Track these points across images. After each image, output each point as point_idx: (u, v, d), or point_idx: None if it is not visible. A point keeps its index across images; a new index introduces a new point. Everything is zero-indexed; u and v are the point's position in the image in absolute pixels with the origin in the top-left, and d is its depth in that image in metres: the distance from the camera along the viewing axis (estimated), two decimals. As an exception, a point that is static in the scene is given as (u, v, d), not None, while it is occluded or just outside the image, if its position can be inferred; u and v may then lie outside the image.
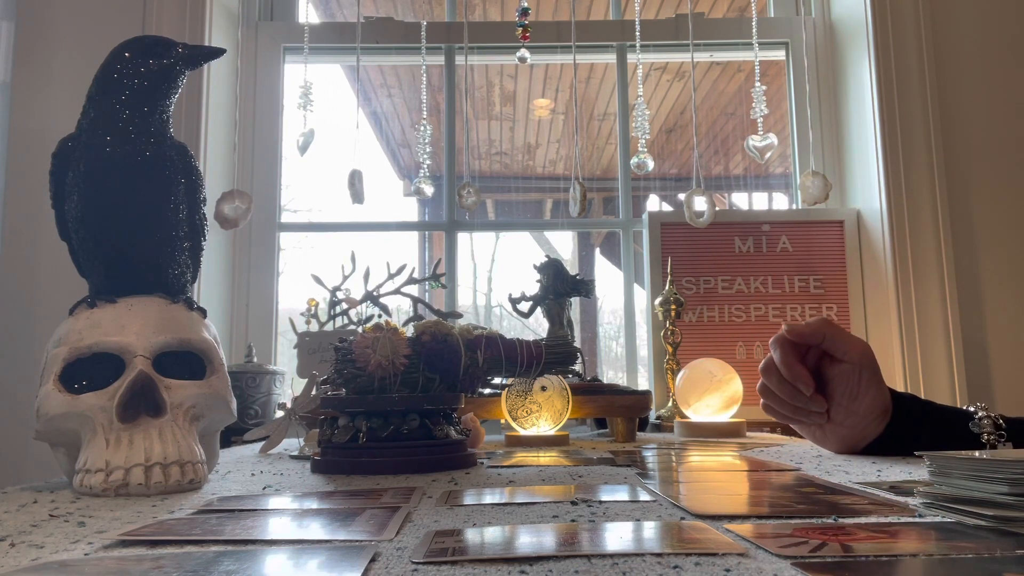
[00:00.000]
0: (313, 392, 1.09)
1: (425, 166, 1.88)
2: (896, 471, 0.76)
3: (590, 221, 2.38)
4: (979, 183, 1.84)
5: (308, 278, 1.33)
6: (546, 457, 0.97)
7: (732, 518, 0.49)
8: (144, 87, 0.78)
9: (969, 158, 1.84)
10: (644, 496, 0.60)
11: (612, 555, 0.39)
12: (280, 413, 1.58)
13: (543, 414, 1.22)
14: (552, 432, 1.21)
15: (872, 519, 0.48)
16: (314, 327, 1.33)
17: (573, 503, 0.57)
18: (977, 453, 0.48)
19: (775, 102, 2.14)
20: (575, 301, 1.48)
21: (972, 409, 0.87)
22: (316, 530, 0.47)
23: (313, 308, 1.36)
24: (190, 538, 0.44)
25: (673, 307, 1.73)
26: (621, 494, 0.62)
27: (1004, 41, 1.89)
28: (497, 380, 1.24)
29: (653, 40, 2.06)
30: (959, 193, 1.83)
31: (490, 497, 0.61)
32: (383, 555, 0.40)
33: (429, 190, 1.90)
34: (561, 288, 1.41)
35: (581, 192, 1.82)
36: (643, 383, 1.98)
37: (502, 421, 1.26)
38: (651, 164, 1.86)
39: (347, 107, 2.28)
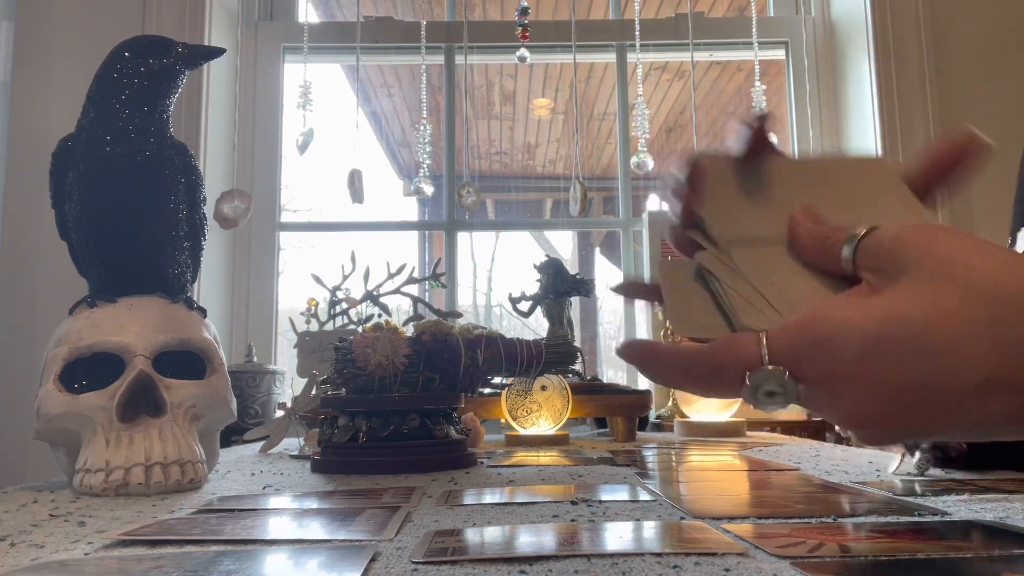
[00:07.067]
0: (313, 392, 1.09)
1: (425, 166, 1.88)
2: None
3: (590, 221, 2.39)
4: (979, 183, 1.84)
5: (308, 278, 1.32)
6: (546, 457, 0.97)
7: (731, 518, 0.49)
8: (144, 87, 0.78)
9: (969, 158, 1.84)
10: (644, 496, 0.60)
11: (612, 555, 0.39)
12: (280, 413, 1.58)
13: (543, 414, 1.22)
14: (552, 432, 1.21)
15: (871, 519, 0.49)
16: (314, 327, 1.33)
17: (573, 503, 0.57)
18: None
19: (775, 102, 2.14)
20: (575, 301, 1.48)
21: None
22: (316, 530, 0.47)
23: (313, 308, 1.36)
24: (190, 538, 0.44)
25: (673, 307, 1.72)
26: (621, 494, 0.62)
27: (1004, 41, 1.89)
28: (497, 380, 1.24)
29: (653, 39, 2.06)
30: (959, 193, 1.83)
31: (490, 497, 0.61)
32: (383, 555, 0.40)
33: (429, 190, 1.90)
34: (561, 288, 1.41)
35: (581, 192, 1.82)
36: (643, 382, 1.98)
37: (502, 421, 1.26)
38: (651, 164, 1.86)
39: (347, 107, 2.28)
